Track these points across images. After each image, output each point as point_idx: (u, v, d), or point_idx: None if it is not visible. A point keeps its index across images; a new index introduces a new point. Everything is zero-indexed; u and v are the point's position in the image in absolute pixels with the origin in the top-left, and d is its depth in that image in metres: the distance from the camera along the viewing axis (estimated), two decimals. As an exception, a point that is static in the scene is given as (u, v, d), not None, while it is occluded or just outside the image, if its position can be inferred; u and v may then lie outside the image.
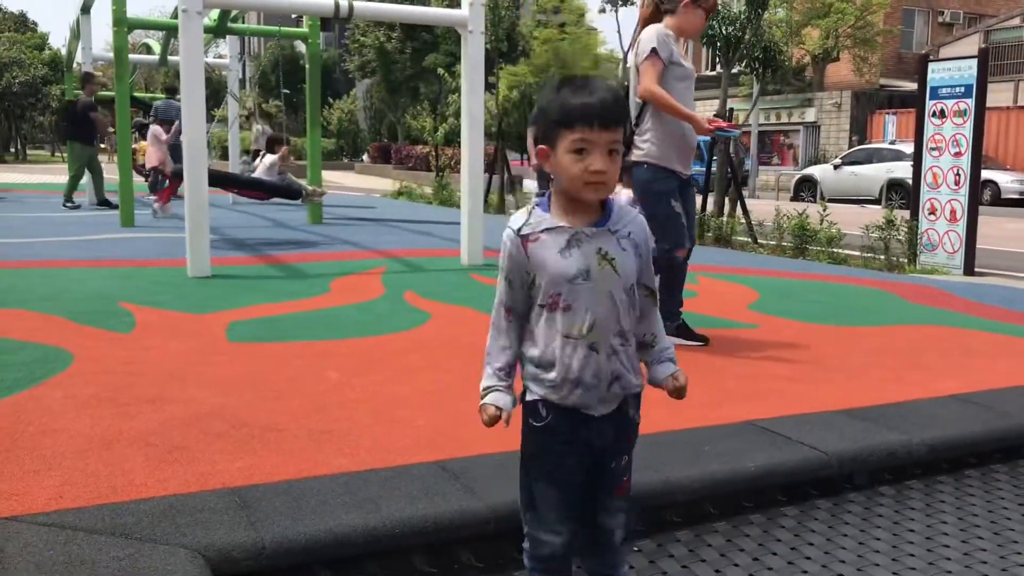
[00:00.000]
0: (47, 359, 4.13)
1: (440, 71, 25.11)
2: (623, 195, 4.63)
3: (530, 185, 19.77)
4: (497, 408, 1.91)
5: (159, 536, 2.31)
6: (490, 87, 18.03)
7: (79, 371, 3.95)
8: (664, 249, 4.61)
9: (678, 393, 2.01)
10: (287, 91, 14.93)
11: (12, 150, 50.09)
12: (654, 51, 4.65)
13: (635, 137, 4.79)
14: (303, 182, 10.73)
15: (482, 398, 1.93)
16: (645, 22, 4.90)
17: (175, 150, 14.25)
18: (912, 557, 2.62)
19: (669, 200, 4.73)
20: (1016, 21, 30.25)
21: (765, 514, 2.89)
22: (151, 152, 13.91)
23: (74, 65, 16.58)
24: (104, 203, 13.30)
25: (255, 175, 10.34)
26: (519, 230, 1.90)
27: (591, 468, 1.97)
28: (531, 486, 1.96)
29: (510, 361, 1.95)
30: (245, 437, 3.12)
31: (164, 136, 13.58)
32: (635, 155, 4.78)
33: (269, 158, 10.41)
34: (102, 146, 13.67)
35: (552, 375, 1.89)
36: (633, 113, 4.79)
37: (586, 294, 1.88)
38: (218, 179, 10.50)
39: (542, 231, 1.90)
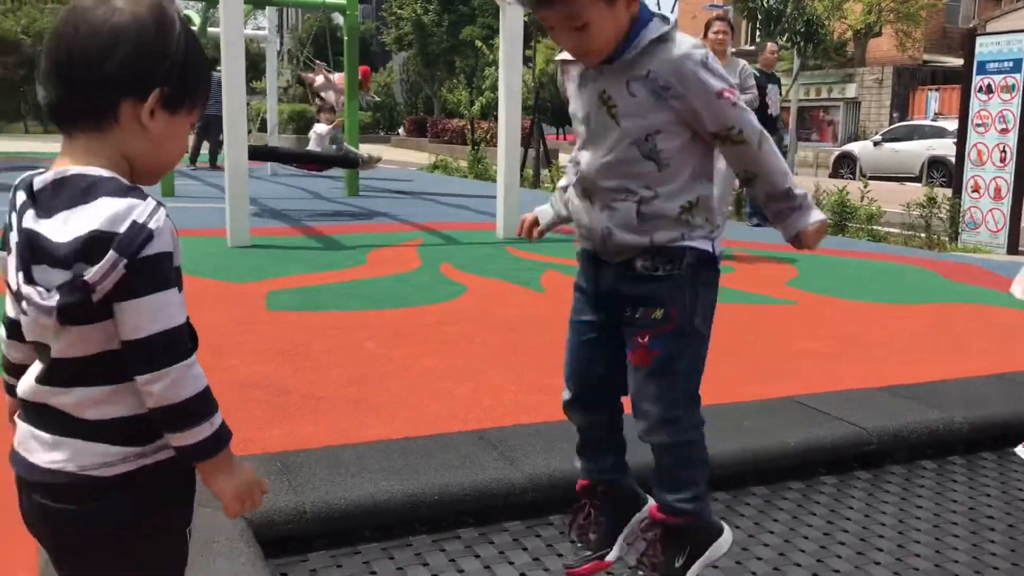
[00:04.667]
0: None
1: (477, 44, 24.99)
2: None
3: (565, 159, 19.78)
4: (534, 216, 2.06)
5: (201, 499, 2.34)
6: (526, 60, 17.92)
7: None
8: None
9: (811, 243, 1.78)
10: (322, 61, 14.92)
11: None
12: None
13: None
14: (359, 149, 10.76)
15: None
16: None
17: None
18: (955, 525, 2.62)
19: None
20: (1067, -5, 29.49)
21: (805, 482, 2.88)
22: None
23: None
24: None
25: (310, 146, 10.40)
26: (560, 55, 1.84)
27: (616, 335, 1.86)
28: None
29: (565, 183, 1.99)
30: (285, 405, 3.16)
31: None
32: None
33: (322, 128, 10.42)
34: None
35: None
36: None
37: (587, 139, 1.80)
38: (278, 155, 10.56)
39: (570, 62, 1.82)
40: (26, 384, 1.24)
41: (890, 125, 26.62)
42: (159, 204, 1.16)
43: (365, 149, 11.45)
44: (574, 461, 2.09)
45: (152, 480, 1.23)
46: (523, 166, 14.49)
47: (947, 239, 9.00)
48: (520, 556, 2.32)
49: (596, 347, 1.91)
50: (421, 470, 2.56)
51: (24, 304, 1.15)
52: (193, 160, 15.42)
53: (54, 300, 1.13)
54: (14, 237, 1.16)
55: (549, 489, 2.55)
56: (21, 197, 1.17)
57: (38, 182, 1.18)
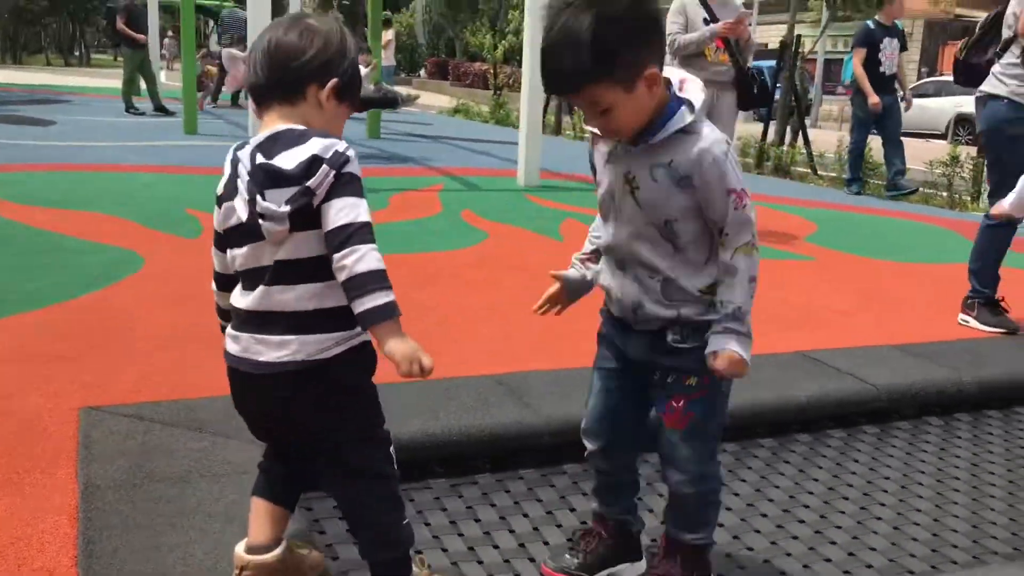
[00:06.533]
0: (121, 261, 4.29)
1: (501, -14, 24.65)
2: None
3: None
4: (555, 276, 2.01)
5: (232, 432, 2.45)
6: (552, 5, 17.65)
7: (151, 273, 4.10)
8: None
9: (718, 374, 1.80)
10: (346, 1, 14.82)
11: (76, 54, 50.61)
12: None
13: (996, 67, 4.07)
14: (398, 89, 10.70)
15: None
16: None
17: None
18: (957, 480, 2.71)
19: None
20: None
21: (813, 435, 2.97)
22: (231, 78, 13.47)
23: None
24: (160, 109, 13.37)
25: None
26: (592, 128, 1.87)
27: (641, 384, 1.92)
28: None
29: (590, 249, 2.01)
30: (310, 344, 3.24)
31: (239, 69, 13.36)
32: (992, 88, 4.06)
33: (361, 69, 10.36)
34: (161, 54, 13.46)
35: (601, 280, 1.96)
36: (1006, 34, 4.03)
37: (612, 213, 1.87)
38: None
39: (600, 137, 1.86)
40: (250, 296, 1.62)
41: (918, 80, 26.25)
42: (349, 144, 1.59)
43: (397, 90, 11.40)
44: (590, 503, 2.15)
45: (354, 357, 1.64)
46: (545, 113, 14.44)
47: (968, 199, 8.95)
48: (547, 493, 2.42)
49: (623, 395, 1.97)
50: (441, 412, 2.65)
51: (261, 220, 1.55)
52: (215, 98, 15.42)
53: (287, 208, 1.54)
54: (244, 176, 1.57)
55: (564, 433, 2.63)
56: (246, 151, 1.60)
57: (255, 140, 1.62)
